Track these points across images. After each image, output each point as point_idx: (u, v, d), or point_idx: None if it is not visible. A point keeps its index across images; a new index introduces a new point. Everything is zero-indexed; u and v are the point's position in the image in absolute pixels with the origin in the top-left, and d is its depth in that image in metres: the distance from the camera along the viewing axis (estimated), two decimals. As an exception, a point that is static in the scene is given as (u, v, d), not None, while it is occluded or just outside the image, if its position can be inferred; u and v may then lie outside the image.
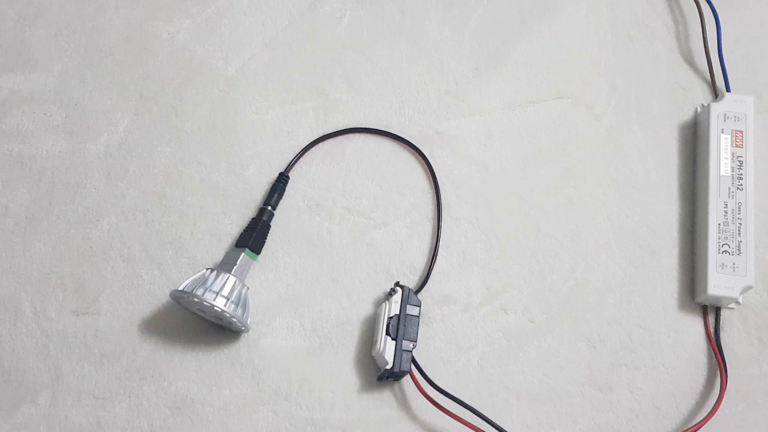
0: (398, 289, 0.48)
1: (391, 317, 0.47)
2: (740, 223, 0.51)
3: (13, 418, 0.46)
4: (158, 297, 0.50)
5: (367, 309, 0.50)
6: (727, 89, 0.57)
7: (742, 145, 0.53)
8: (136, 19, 0.59)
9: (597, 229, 0.54)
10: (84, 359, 0.48)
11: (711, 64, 0.58)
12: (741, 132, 0.54)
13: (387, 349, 0.46)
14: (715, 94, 0.58)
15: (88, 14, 0.59)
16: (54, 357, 0.48)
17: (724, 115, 0.54)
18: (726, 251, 0.50)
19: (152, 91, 0.56)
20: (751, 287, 0.50)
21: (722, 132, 0.54)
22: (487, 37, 0.59)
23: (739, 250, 0.51)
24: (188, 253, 0.51)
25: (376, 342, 0.47)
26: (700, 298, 0.51)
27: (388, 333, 0.47)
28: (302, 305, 0.50)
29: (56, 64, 0.57)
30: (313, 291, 0.50)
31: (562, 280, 0.52)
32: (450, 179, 0.54)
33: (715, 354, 0.50)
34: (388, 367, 0.46)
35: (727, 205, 0.52)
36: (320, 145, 0.55)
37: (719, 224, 0.51)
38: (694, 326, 0.51)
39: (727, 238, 0.51)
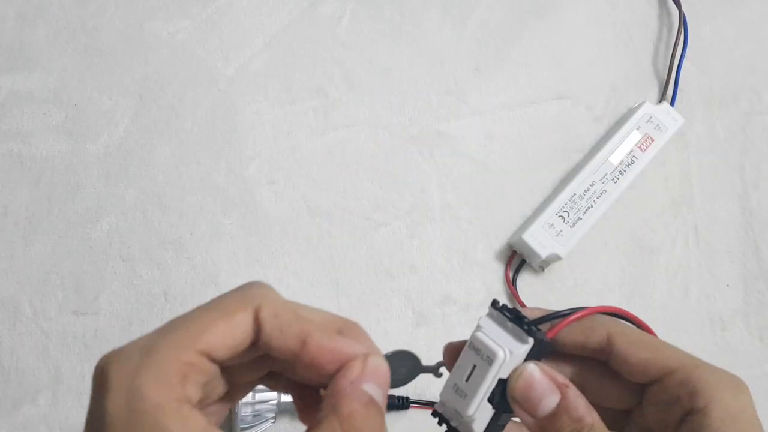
0: (529, 339, 0.29)
1: (503, 379, 0.30)
2: (591, 206, 0.52)
3: (13, 418, 0.46)
4: (158, 297, 0.50)
5: (367, 309, 0.50)
6: (672, 103, 0.56)
7: (644, 150, 0.53)
8: (135, 19, 0.58)
9: (596, 229, 0.54)
10: (84, 359, 0.48)
11: (671, 71, 0.58)
12: (653, 140, 0.54)
13: (480, 418, 0.30)
14: (659, 100, 0.57)
15: (87, 14, 0.59)
16: (54, 357, 0.48)
17: (651, 117, 0.54)
18: (562, 217, 0.51)
19: (152, 91, 0.56)
20: (560, 258, 0.50)
21: (637, 129, 0.54)
22: (487, 37, 0.59)
23: (574, 224, 0.51)
24: (188, 253, 0.51)
25: (468, 399, 0.30)
26: (513, 239, 0.52)
27: (491, 400, 0.30)
28: (302, 305, 0.50)
29: (56, 63, 0.57)
30: (313, 292, 0.50)
31: (562, 280, 0.52)
32: (450, 179, 0.54)
33: (514, 295, 0.51)
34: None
35: (593, 184, 0.52)
36: (320, 144, 0.55)
37: (574, 194, 0.52)
38: (695, 326, 0.51)
39: (572, 208, 0.51)
